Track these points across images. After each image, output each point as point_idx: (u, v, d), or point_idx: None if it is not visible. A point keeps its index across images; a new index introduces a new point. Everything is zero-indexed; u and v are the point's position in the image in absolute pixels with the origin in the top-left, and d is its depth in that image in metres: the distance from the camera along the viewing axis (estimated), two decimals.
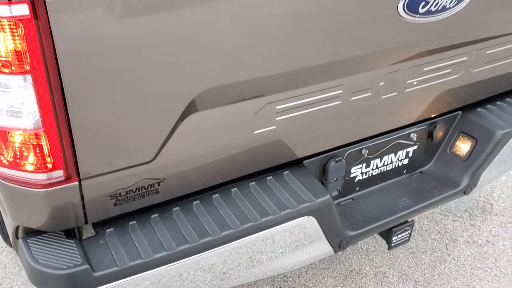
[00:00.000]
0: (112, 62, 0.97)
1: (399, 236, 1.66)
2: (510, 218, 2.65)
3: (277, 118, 1.28)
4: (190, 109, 1.11)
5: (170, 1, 0.96)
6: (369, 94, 1.41)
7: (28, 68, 0.92)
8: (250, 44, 1.12)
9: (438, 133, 1.75)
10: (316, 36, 1.21)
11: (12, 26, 0.88)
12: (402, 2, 1.25)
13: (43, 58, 0.91)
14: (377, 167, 1.67)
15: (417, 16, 1.30)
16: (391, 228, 1.62)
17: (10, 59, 0.92)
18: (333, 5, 1.19)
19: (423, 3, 1.29)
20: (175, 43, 1.01)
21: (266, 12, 1.10)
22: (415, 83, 1.49)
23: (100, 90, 0.99)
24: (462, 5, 1.37)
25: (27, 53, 0.91)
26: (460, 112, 1.78)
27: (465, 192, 1.73)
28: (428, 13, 1.32)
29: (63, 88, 0.96)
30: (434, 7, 1.31)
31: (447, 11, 1.35)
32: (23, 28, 0.88)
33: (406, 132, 1.66)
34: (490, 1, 1.46)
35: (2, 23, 0.88)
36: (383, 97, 1.45)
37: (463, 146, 1.76)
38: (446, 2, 1.33)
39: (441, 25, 1.37)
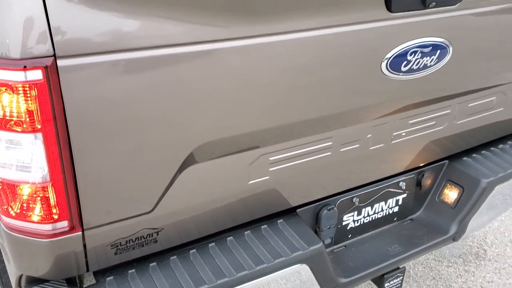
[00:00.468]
0: (116, 119, 1.05)
1: (391, 282, 1.70)
2: (504, 264, 2.68)
3: (271, 169, 1.35)
4: (189, 161, 1.18)
5: (168, 61, 1.06)
6: (357, 145, 1.49)
7: (39, 126, 1.00)
8: (246, 101, 1.21)
9: (426, 182, 1.82)
10: (307, 94, 1.30)
11: (26, 89, 0.97)
12: (385, 62, 1.36)
13: (53, 117, 0.99)
14: (368, 215, 1.73)
15: (400, 74, 1.40)
16: (383, 274, 1.67)
17: (22, 119, 1.00)
18: (324, 66, 1.28)
19: (405, 62, 1.39)
20: (174, 100, 1.09)
21: (262, 72, 1.20)
22: (401, 135, 1.58)
23: (104, 145, 1.07)
24: (442, 63, 1.48)
25: (39, 113, 0.99)
26: (447, 161, 1.86)
27: (454, 238, 1.78)
28: (410, 71, 1.42)
29: (70, 144, 1.03)
30: (416, 65, 1.42)
31: (428, 69, 1.45)
32: (36, 91, 0.96)
33: (395, 181, 1.73)
34: (468, 59, 1.56)
35: (17, 86, 0.96)
36: (371, 148, 1.53)
37: (451, 194, 1.83)
38: (427, 61, 1.43)
39: (424, 81, 1.47)
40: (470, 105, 1.72)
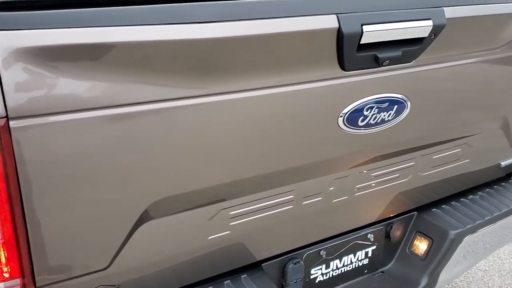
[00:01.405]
0: (68, 177, 1.06)
1: None
2: None
3: (231, 223, 1.36)
4: (144, 217, 1.19)
5: (120, 120, 1.09)
6: (320, 198, 1.51)
7: None
8: (202, 157, 1.23)
9: (396, 233, 1.83)
10: (266, 149, 1.33)
11: None
12: (342, 117, 1.40)
13: (4, 176, 1.01)
14: (337, 268, 1.72)
15: (358, 129, 1.44)
16: None
17: None
18: (281, 122, 1.32)
19: (362, 117, 1.43)
20: (126, 158, 1.11)
21: (219, 129, 1.23)
22: (365, 187, 1.60)
23: (57, 203, 1.08)
24: (400, 118, 1.52)
25: None
26: (415, 212, 1.87)
27: None
28: (368, 126, 1.46)
29: (22, 202, 1.05)
30: (373, 120, 1.46)
31: (387, 123, 1.50)
32: None
33: (363, 233, 1.74)
34: (428, 113, 1.61)
35: None
36: (334, 200, 1.55)
37: (421, 246, 1.83)
38: (384, 116, 1.48)
39: (383, 135, 1.51)
40: (434, 157, 1.75)
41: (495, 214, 1.89)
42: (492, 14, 1.57)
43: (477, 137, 1.84)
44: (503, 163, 2.04)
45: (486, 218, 1.87)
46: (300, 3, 1.24)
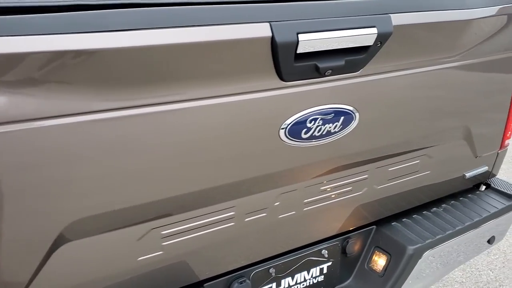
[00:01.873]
0: None
1: None
2: None
3: (164, 243, 1.28)
4: (61, 239, 1.12)
5: (29, 136, 1.01)
6: (264, 214, 1.43)
7: None
8: (126, 173, 1.16)
9: (353, 248, 1.76)
10: (201, 163, 1.26)
11: None
12: (283, 129, 1.33)
13: None
14: (289, 286, 1.65)
15: (301, 141, 1.37)
16: None
17: None
18: (217, 135, 1.25)
19: (305, 129, 1.36)
20: (34, 177, 1.04)
21: (146, 143, 1.16)
22: (314, 201, 1.53)
23: None
24: (348, 129, 1.45)
25: None
26: (374, 226, 1.80)
27: None
28: (313, 138, 1.39)
29: None
30: (318, 132, 1.39)
31: (333, 135, 1.43)
32: None
33: (317, 249, 1.66)
34: (379, 124, 1.54)
35: None
36: (280, 216, 1.47)
37: (380, 261, 1.76)
38: (330, 127, 1.41)
39: (330, 147, 1.44)
40: (390, 169, 1.68)
41: (457, 228, 1.82)
42: (445, 21, 1.51)
43: (437, 148, 1.78)
44: (467, 175, 1.97)
45: (448, 232, 1.80)
46: (231, 10, 1.17)
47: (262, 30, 1.17)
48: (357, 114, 1.46)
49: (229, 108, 1.25)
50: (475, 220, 1.88)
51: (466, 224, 1.85)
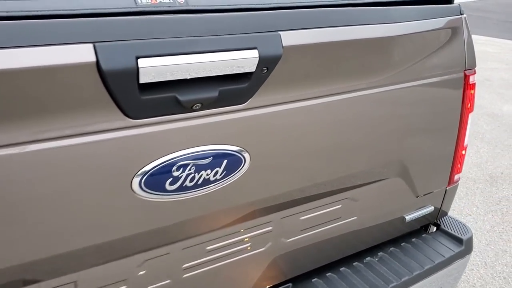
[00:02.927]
0: None
1: None
2: None
3: None
4: None
5: None
6: (124, 287, 1.13)
7: None
8: None
9: None
10: (20, 229, 0.95)
11: None
12: (137, 181, 1.02)
13: None
14: None
15: (166, 194, 1.07)
16: None
17: None
18: (43, 188, 0.94)
19: (170, 179, 1.06)
20: None
21: None
22: (198, 265, 1.22)
23: None
24: (237, 175, 1.15)
25: None
26: (290, 284, 1.49)
27: None
28: (183, 189, 1.08)
29: None
30: (191, 182, 1.09)
31: (215, 183, 1.12)
32: None
33: None
34: (280, 166, 1.24)
35: None
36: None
37: None
38: (208, 175, 1.11)
39: (212, 198, 1.14)
40: (302, 218, 1.38)
41: (391, 285, 1.52)
42: (355, 39, 1.22)
43: (364, 189, 1.48)
44: (407, 217, 1.67)
45: None
46: (40, 28, 0.87)
47: (81, 54, 0.87)
48: (246, 156, 1.16)
49: (61, 154, 0.94)
50: (414, 273, 1.58)
51: (403, 279, 1.55)
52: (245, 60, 1.02)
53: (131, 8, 1.00)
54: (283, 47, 1.07)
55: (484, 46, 9.25)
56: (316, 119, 1.26)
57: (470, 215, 3.59)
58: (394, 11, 1.31)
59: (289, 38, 1.09)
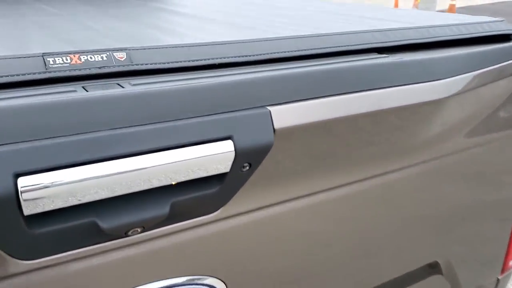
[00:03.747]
0: None
1: None
2: None
3: None
4: None
5: None
6: None
7: None
8: None
9: None
10: None
11: None
12: None
13: None
14: None
15: None
16: None
17: None
18: None
19: None
20: None
21: None
22: None
23: None
24: None
25: None
26: None
27: None
28: None
29: None
30: None
31: None
32: None
33: None
34: None
35: None
36: None
37: None
38: None
39: None
40: None
41: None
42: (388, 108, 0.82)
43: None
44: None
45: None
46: None
47: None
48: (220, 287, 0.77)
49: None
50: None
51: None
52: (213, 157, 0.63)
53: (35, 73, 0.63)
54: (274, 130, 0.68)
55: None
56: (324, 220, 0.86)
57: None
58: (442, 61, 0.91)
59: (284, 115, 0.70)
